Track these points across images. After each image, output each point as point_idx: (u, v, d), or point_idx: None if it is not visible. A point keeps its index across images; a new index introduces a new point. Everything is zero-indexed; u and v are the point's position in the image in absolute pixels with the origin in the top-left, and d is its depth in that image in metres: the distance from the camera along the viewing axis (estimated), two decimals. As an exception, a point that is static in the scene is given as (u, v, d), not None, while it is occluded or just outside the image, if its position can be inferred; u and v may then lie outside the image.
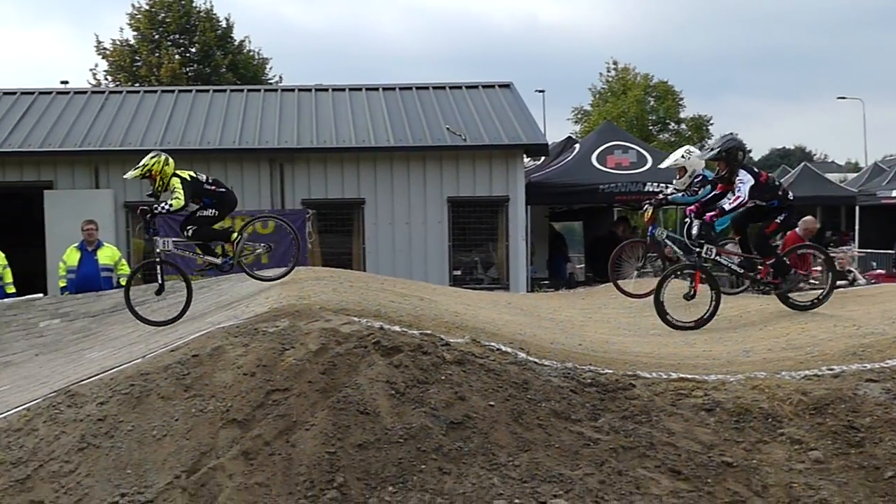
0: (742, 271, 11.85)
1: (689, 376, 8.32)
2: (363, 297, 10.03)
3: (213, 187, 11.89)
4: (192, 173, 11.84)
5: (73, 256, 16.31)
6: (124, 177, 12.07)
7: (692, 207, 11.86)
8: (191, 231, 11.81)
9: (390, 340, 8.08)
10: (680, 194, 13.14)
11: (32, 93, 25.03)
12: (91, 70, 52.85)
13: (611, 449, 7.45)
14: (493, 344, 8.55)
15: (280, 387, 7.61)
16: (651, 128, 52.25)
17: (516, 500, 7.01)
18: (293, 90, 25.94)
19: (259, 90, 26.58)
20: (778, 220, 11.67)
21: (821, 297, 11.62)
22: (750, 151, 48.11)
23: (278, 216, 13.09)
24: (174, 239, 12.03)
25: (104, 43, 45.36)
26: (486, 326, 9.75)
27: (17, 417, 7.71)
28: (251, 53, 46.38)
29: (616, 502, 7.04)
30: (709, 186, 12.32)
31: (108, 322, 13.91)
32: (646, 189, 22.11)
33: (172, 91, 26.14)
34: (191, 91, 26.16)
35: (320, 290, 10.12)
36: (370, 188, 22.29)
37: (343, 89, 25.76)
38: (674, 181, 13.31)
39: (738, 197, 11.27)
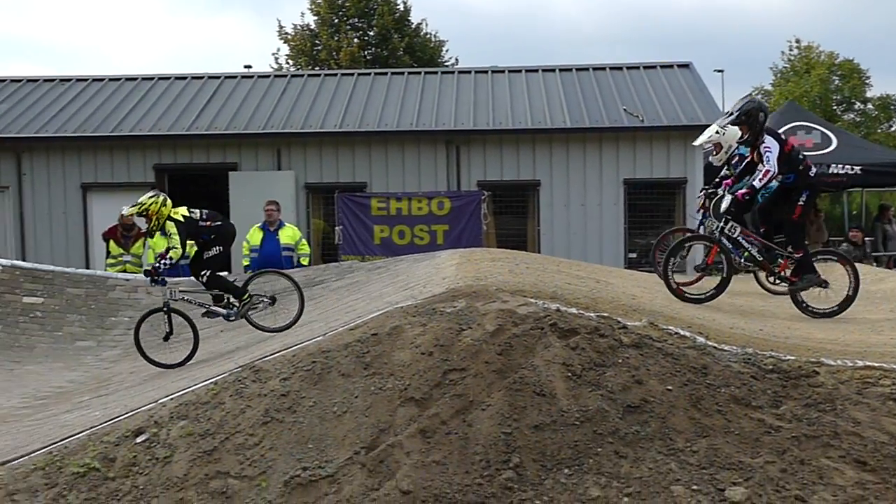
0: (761, 259, 11.20)
1: (876, 364, 8.03)
2: (539, 278, 10.02)
3: (209, 222, 12.12)
4: (185, 212, 12.03)
5: (256, 236, 16.79)
6: (122, 212, 12.35)
7: (728, 181, 11.39)
8: (206, 277, 12.13)
9: (567, 322, 8.05)
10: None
11: (218, 77, 25.85)
12: (273, 54, 54.26)
13: (793, 437, 7.26)
14: (671, 327, 8.43)
15: (457, 366, 7.67)
16: (835, 108, 50.62)
17: (694, 487, 6.91)
18: (469, 72, 26.07)
19: (436, 72, 26.80)
20: (801, 203, 10.98)
21: (841, 305, 11.03)
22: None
23: (284, 273, 13.06)
24: (182, 288, 12.39)
25: (286, 28, 46.49)
26: (663, 310, 9.62)
27: (205, 391, 7.98)
28: (428, 36, 46.78)
29: (798, 492, 6.87)
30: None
31: (288, 300, 14.28)
32: (830, 171, 21.43)
33: (352, 74, 26.60)
34: (369, 74, 26.58)
35: (497, 272, 10.16)
36: (545, 170, 22.26)
37: (519, 71, 25.76)
38: (710, 158, 12.48)
39: (767, 170, 10.69)
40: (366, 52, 45.21)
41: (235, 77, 26.03)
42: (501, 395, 7.43)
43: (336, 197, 21.41)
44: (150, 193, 12.09)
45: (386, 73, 26.58)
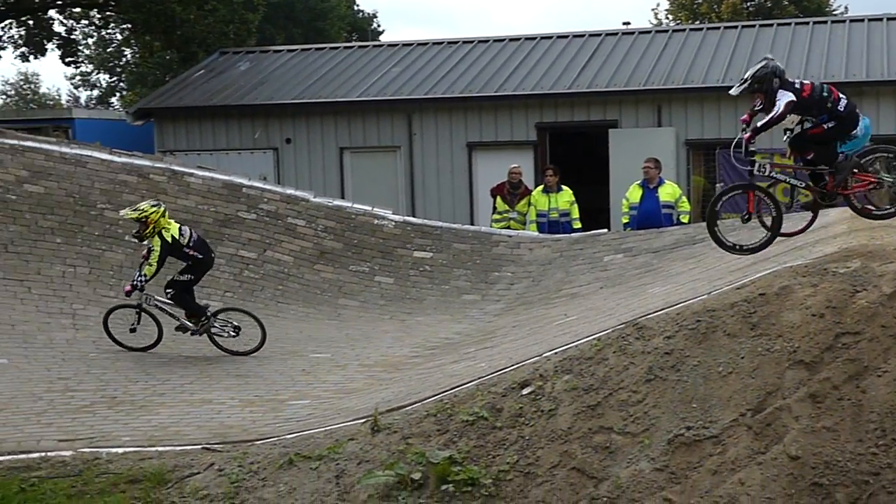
0: (804, 185, 10.44)
1: None
2: (941, 239, 9.36)
3: (192, 251, 12.79)
4: (175, 233, 12.70)
5: (635, 193, 16.72)
6: (120, 213, 13.23)
7: (744, 117, 10.32)
8: (170, 295, 12.80)
9: (975, 286, 7.47)
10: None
11: (599, 35, 25.89)
12: (652, 10, 53.79)
13: None
14: None
15: (850, 330, 7.31)
16: None
17: None
18: (862, 20, 24.68)
19: (825, 22, 25.59)
20: (825, 126, 10.15)
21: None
22: None
23: (246, 311, 13.43)
24: (155, 296, 12.92)
25: (666, -18, 45.95)
26: None
27: (589, 346, 8.05)
28: (815, -17, 44.80)
29: None
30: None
31: (669, 258, 14.15)
32: None
33: (735, 27, 25.87)
34: (753, 26, 25.75)
35: (893, 231, 9.59)
36: (946, 122, 20.75)
37: (917, 16, 24.12)
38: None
39: (774, 111, 9.90)
40: (748, 4, 43.89)
41: (616, 34, 25.96)
42: (900, 362, 7.02)
43: (717, 154, 20.93)
44: (153, 202, 12.90)
45: (771, 25, 25.66)
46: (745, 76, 10.34)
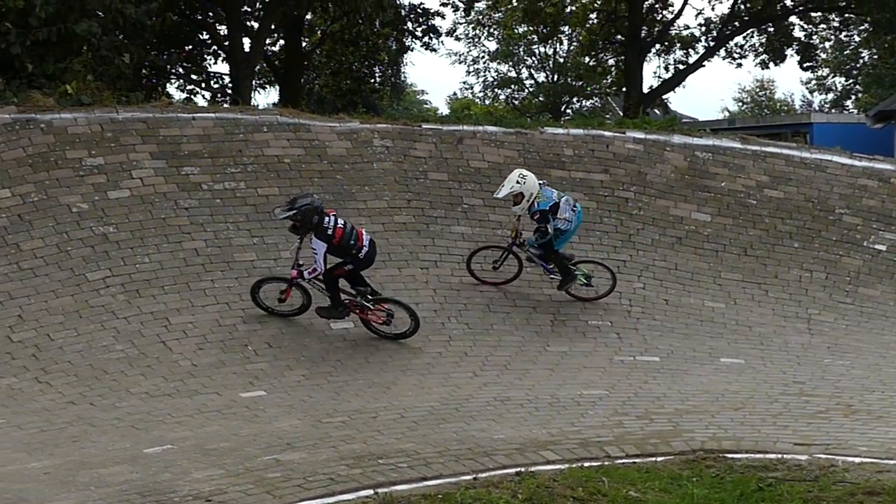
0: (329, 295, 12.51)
1: None
2: None
3: None
4: None
5: None
6: None
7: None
8: None
9: None
10: (533, 238, 13.57)
11: None
12: None
13: None
14: None
15: None
16: None
17: None
18: None
19: None
20: (343, 266, 12.37)
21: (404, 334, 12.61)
22: None
23: None
24: None
25: None
26: None
27: None
28: None
29: None
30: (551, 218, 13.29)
31: None
32: None
33: None
34: None
35: None
36: None
37: None
38: (513, 208, 13.54)
39: (314, 269, 12.14)
40: None
41: None
42: None
43: None
44: None
45: None
46: (290, 204, 12.07)
